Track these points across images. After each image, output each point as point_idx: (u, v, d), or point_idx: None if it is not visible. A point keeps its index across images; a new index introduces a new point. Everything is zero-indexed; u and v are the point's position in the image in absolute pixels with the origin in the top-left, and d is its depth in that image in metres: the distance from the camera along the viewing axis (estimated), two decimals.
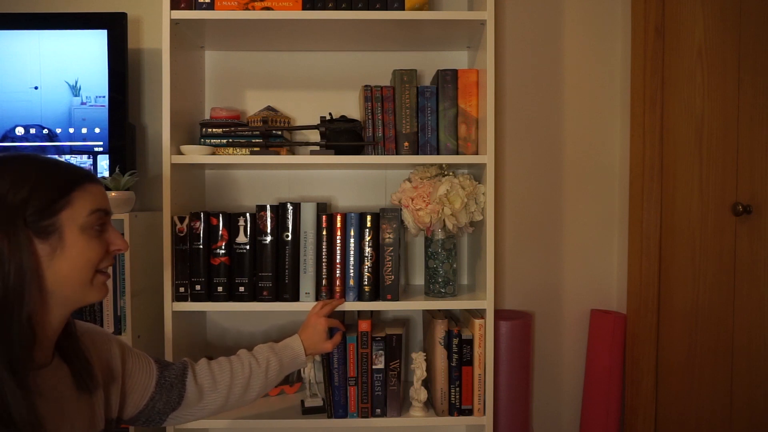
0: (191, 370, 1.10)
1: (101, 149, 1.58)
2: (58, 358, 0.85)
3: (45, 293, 0.79)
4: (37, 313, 0.79)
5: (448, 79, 1.52)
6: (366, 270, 1.46)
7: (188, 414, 1.09)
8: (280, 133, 1.62)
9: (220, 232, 1.45)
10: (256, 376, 1.18)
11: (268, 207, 1.45)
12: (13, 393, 0.72)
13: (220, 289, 1.45)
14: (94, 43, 1.58)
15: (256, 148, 1.55)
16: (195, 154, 1.47)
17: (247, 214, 1.47)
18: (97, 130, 1.58)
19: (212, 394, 1.12)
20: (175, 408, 1.06)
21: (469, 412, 1.49)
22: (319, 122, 1.58)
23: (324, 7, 1.46)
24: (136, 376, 1.01)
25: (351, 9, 1.45)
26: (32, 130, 1.58)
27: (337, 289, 1.47)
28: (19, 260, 0.75)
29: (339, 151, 1.51)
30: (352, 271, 1.47)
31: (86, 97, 1.58)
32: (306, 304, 1.44)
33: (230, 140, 1.58)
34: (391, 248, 1.46)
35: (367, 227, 1.46)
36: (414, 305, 1.48)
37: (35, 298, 0.78)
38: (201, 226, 1.44)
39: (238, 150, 1.57)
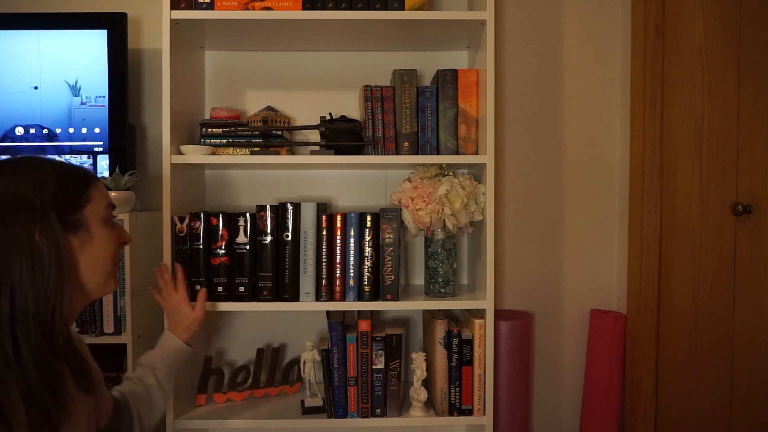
0: (137, 421, 1.13)
1: (101, 149, 1.58)
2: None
3: (78, 286, 0.84)
4: (72, 305, 0.83)
5: (448, 79, 1.52)
6: (366, 270, 1.46)
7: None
8: (280, 133, 1.62)
9: (220, 232, 1.45)
10: (156, 391, 1.20)
11: (268, 207, 1.45)
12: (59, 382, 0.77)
13: (220, 289, 1.45)
14: (94, 43, 1.58)
15: (256, 148, 1.55)
16: (195, 154, 1.47)
17: (247, 214, 1.47)
18: (97, 130, 1.58)
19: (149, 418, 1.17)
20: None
21: (469, 412, 1.49)
22: (319, 122, 1.58)
23: (324, 7, 1.46)
24: (106, 394, 1.04)
25: (351, 9, 1.45)
26: (32, 130, 1.58)
27: (337, 289, 1.47)
28: (57, 255, 0.77)
29: (339, 151, 1.51)
30: (352, 271, 1.47)
31: (86, 97, 1.58)
32: (306, 304, 1.45)
33: (230, 140, 1.58)
34: (391, 248, 1.46)
35: (367, 227, 1.46)
36: (414, 305, 1.48)
37: (74, 290, 0.82)
38: (201, 226, 1.44)
39: (238, 150, 1.57)
